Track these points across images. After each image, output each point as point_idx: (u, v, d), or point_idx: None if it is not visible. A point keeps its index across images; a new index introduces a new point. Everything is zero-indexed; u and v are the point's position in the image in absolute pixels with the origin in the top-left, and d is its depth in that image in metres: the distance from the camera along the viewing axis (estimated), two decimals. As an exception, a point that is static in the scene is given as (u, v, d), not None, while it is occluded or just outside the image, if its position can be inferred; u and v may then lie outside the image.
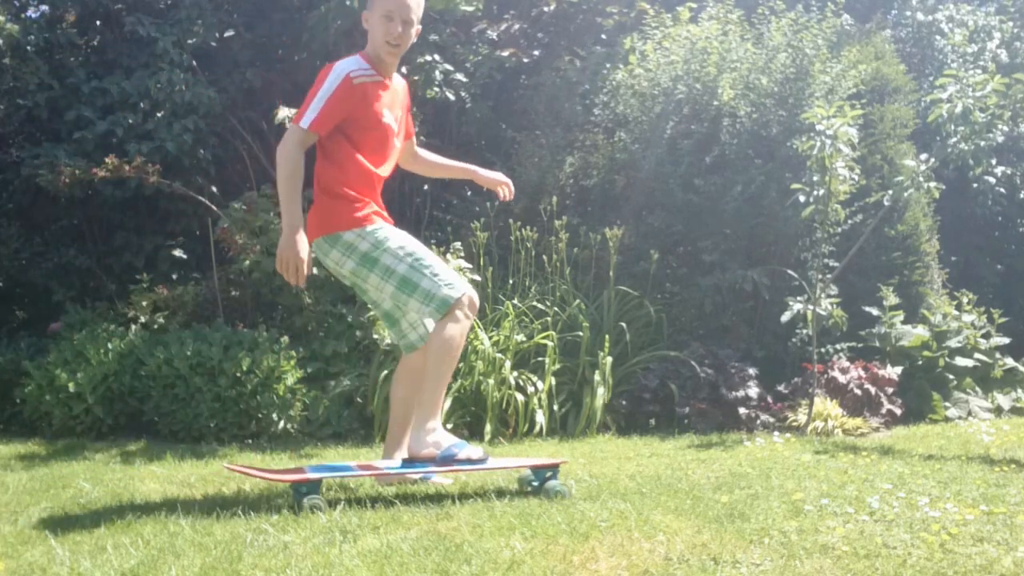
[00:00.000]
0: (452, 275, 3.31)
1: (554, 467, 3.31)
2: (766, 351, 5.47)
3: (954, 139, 4.71)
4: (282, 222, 3.32)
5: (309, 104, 3.26)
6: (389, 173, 3.47)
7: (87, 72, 5.94)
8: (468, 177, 3.85)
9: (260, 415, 4.72)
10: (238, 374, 4.69)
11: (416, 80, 5.87)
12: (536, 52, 6.76)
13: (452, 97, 6.14)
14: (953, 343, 5.38)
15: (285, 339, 4.98)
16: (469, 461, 3.24)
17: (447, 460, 3.23)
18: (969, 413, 5.16)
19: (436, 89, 6.01)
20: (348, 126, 3.31)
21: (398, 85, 3.50)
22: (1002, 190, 7.57)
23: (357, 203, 3.31)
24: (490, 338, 4.97)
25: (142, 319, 5.19)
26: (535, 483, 3.30)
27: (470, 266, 5.19)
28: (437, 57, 6.11)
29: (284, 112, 5.72)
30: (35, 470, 3.98)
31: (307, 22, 6.12)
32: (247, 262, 5.13)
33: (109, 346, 4.89)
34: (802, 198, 4.76)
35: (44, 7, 6.19)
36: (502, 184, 3.78)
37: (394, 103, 3.43)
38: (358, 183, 3.33)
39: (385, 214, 3.42)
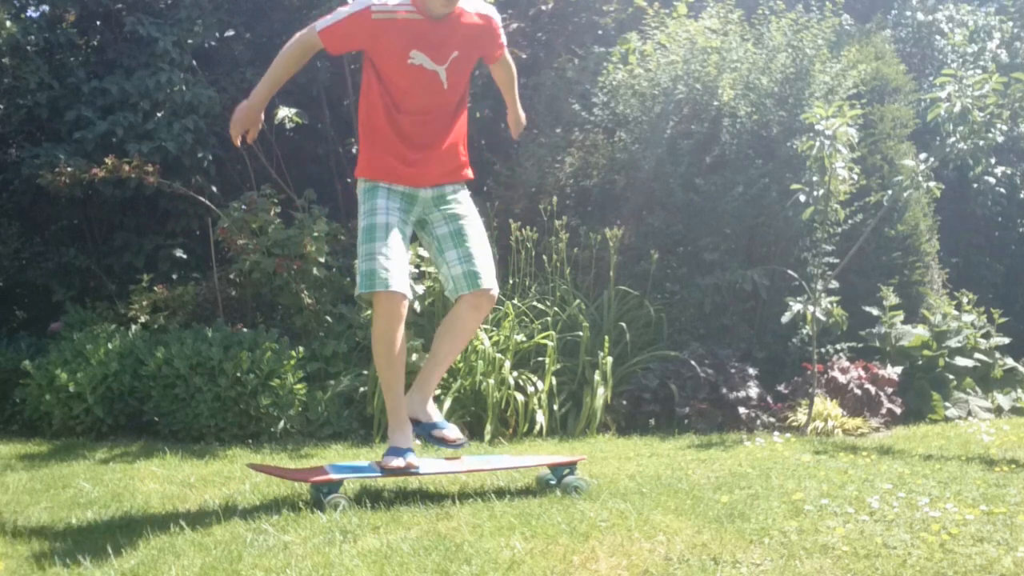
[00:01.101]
0: (395, 265, 3.10)
1: (572, 464, 3.35)
2: (766, 351, 5.46)
3: (953, 139, 4.71)
4: None
5: (330, 14, 3.15)
6: (428, 115, 3.23)
7: (87, 72, 5.94)
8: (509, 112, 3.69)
9: (260, 415, 4.72)
10: (238, 374, 4.69)
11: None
12: (535, 51, 6.75)
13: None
14: (953, 343, 5.38)
15: (285, 339, 4.98)
16: (399, 470, 3.16)
17: (385, 469, 3.18)
18: (969, 413, 5.15)
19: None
20: (373, 57, 3.16)
21: (459, 19, 3.15)
22: (1002, 190, 7.57)
23: (368, 151, 3.24)
24: (490, 338, 4.97)
25: (142, 319, 5.19)
26: (553, 481, 3.33)
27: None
28: None
29: (284, 112, 5.73)
30: (35, 470, 3.98)
31: (307, 21, 6.11)
32: (247, 262, 5.14)
33: (109, 346, 4.89)
34: (802, 198, 4.76)
35: (44, 7, 6.19)
36: (517, 127, 3.69)
37: (444, 41, 3.13)
38: (376, 126, 3.21)
39: (397, 166, 3.22)
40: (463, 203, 3.34)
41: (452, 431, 3.33)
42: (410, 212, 3.27)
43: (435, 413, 3.41)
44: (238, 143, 3.38)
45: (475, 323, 3.32)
